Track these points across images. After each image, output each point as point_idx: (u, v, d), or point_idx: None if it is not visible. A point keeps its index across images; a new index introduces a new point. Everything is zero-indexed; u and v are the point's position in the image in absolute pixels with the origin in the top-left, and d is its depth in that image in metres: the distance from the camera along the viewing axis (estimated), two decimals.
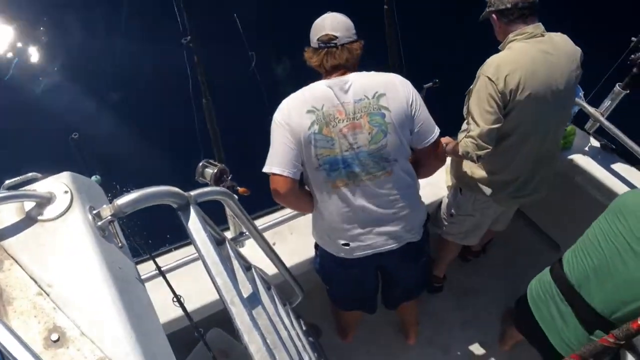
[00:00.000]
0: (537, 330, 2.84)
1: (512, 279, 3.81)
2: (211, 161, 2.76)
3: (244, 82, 4.26)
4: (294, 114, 2.60)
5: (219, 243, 2.13)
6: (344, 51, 2.67)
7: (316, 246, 3.10)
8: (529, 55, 2.90)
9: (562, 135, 3.44)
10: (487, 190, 3.24)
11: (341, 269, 3.01)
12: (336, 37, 2.66)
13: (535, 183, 3.27)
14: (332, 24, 2.68)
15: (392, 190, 2.73)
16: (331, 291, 3.34)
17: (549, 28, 3.01)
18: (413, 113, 2.65)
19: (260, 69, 3.79)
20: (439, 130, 2.74)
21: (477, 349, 3.83)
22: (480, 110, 2.90)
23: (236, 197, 2.25)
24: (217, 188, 2.28)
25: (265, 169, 2.62)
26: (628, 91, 3.45)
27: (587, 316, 2.61)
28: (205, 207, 1.77)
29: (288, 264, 3.03)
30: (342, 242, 2.84)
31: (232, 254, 2.18)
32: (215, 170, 2.70)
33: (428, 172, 2.96)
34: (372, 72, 2.71)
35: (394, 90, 2.63)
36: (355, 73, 2.69)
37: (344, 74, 2.68)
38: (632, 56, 3.30)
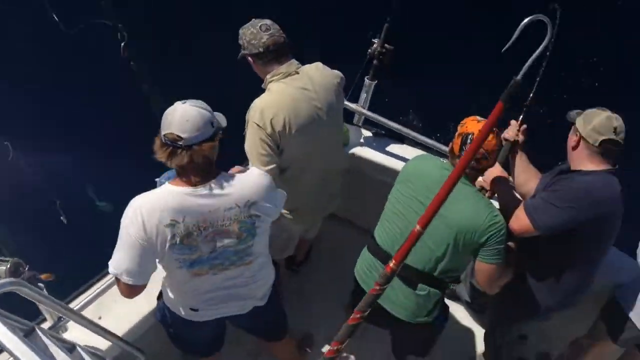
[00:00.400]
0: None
1: (342, 274, 4.05)
2: (1, 258, 2.67)
3: None
4: (148, 225, 2.45)
5: (27, 333, 2.11)
6: (189, 154, 2.45)
7: (159, 297, 3.02)
8: (288, 95, 3.06)
9: (341, 151, 3.68)
10: (288, 216, 3.45)
11: (190, 329, 2.96)
12: (181, 138, 2.43)
13: (327, 197, 3.54)
14: (180, 121, 2.43)
15: (250, 273, 2.80)
16: (179, 345, 3.26)
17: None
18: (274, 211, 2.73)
19: None
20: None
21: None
22: (255, 153, 3.05)
23: (37, 284, 2.22)
24: (3, 281, 2.20)
25: (112, 271, 2.50)
26: (376, 81, 3.88)
27: (408, 274, 2.91)
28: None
29: (121, 331, 3.02)
30: (191, 307, 2.82)
31: (47, 341, 2.16)
32: (8, 266, 2.55)
33: None
34: (237, 177, 2.61)
35: (263, 196, 2.63)
36: (219, 179, 2.55)
37: (205, 175, 2.53)
38: (369, 50, 3.72)
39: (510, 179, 3.22)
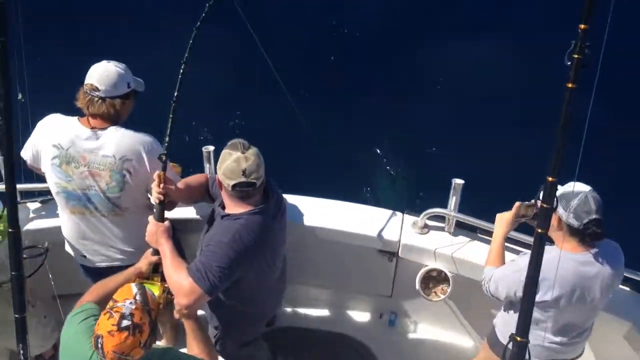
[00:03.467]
0: None
1: None
2: None
3: None
4: (43, 139, 3.12)
5: None
6: (103, 105, 3.03)
7: None
8: None
9: None
10: None
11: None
12: (98, 89, 3.02)
13: None
14: (99, 75, 3.03)
15: (123, 225, 3.24)
16: None
17: None
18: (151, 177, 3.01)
19: None
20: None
21: None
22: None
23: None
24: None
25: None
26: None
27: None
28: None
29: None
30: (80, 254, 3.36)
31: None
32: None
33: None
34: (129, 133, 3.09)
35: (139, 159, 3.08)
36: (114, 129, 3.08)
37: (102, 123, 3.07)
38: None
39: None
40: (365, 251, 3.88)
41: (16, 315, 1.94)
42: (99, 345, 2.24)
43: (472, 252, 3.73)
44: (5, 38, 1.81)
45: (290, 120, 7.02)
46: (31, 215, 3.75)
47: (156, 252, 2.92)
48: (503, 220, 3.19)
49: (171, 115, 2.91)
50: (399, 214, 3.92)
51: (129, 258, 3.27)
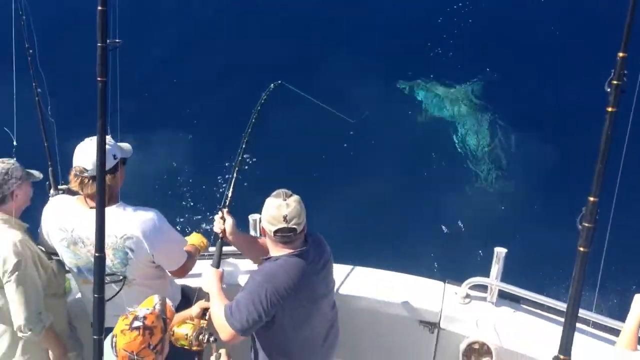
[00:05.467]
0: None
1: None
2: None
3: None
4: (50, 224, 3.25)
5: None
6: (95, 184, 2.85)
7: None
8: None
9: None
10: None
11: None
12: (87, 170, 3.06)
13: None
14: (85, 156, 3.06)
15: (130, 294, 3.25)
16: None
17: None
18: (153, 255, 3.19)
19: None
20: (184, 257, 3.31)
21: None
22: None
23: None
24: None
25: None
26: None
27: None
28: None
29: None
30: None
31: None
32: None
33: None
34: (128, 211, 3.14)
35: (139, 238, 3.12)
36: (113, 208, 3.10)
37: None
38: None
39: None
40: (405, 321, 3.81)
41: (94, 337, 2.11)
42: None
43: (515, 323, 3.63)
44: (105, 78, 1.91)
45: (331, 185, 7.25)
46: None
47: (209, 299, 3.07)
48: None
49: (234, 175, 3.29)
50: (440, 283, 3.86)
51: None
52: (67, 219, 3.20)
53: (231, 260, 3.98)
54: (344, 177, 7.53)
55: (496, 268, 3.61)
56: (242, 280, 3.80)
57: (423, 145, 7.90)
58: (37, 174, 3.38)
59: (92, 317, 3.42)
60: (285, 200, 2.92)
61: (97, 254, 2.08)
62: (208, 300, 3.07)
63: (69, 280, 3.66)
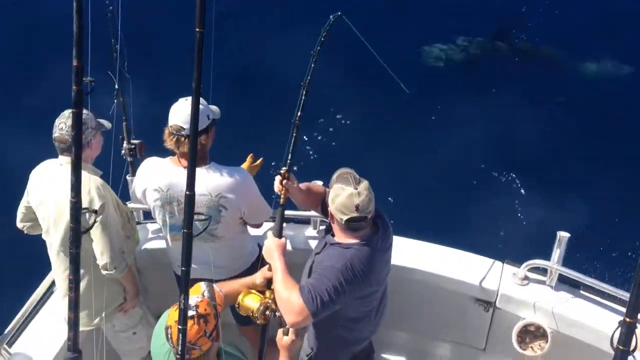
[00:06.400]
0: None
1: None
2: None
3: None
4: (145, 185, 3.41)
5: None
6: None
7: None
8: None
9: None
10: None
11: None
12: (183, 129, 3.17)
13: None
14: (182, 115, 3.17)
15: (216, 249, 3.47)
16: None
17: None
18: (244, 212, 3.42)
19: None
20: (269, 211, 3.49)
21: None
22: None
23: None
24: None
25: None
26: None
27: None
28: None
29: None
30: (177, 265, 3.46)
31: None
32: None
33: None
34: (221, 172, 3.30)
35: (232, 196, 3.31)
36: (206, 168, 3.28)
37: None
38: None
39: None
40: (460, 298, 3.82)
41: (182, 268, 2.16)
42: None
43: (574, 308, 3.58)
44: (203, 29, 1.92)
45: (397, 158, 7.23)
46: (150, 235, 4.03)
47: (271, 268, 3.07)
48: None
49: (294, 134, 3.16)
50: (499, 263, 3.84)
51: (218, 273, 3.48)
52: (161, 179, 3.34)
53: (292, 225, 4.03)
54: (403, 148, 7.49)
55: (558, 252, 3.55)
56: (303, 247, 3.88)
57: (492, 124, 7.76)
58: (107, 124, 3.53)
59: (173, 265, 3.69)
60: (357, 188, 2.86)
61: (187, 192, 2.14)
62: (270, 269, 3.08)
63: (137, 231, 3.84)
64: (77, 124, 2.24)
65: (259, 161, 3.80)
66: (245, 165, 3.73)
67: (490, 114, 7.69)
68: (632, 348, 2.08)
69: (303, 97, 3.14)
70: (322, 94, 6.26)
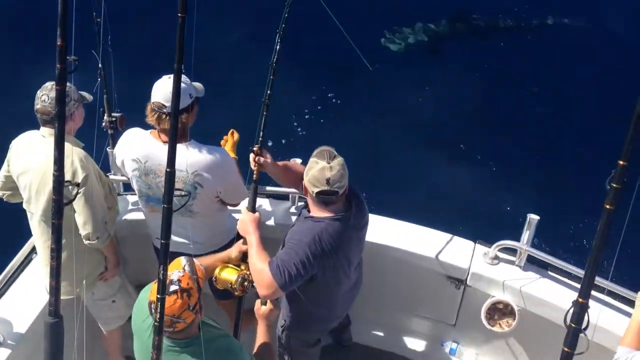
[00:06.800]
0: None
1: None
2: None
3: None
4: (124, 155, 3.44)
5: None
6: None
7: None
8: None
9: None
10: None
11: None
12: (165, 106, 3.17)
13: None
14: (164, 92, 3.16)
15: (193, 224, 3.48)
16: None
17: None
18: (220, 191, 3.44)
19: None
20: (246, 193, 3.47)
21: None
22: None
23: None
24: None
25: None
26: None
27: None
28: None
29: None
30: (156, 237, 3.60)
31: None
32: None
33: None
34: (199, 149, 3.31)
35: (208, 174, 3.31)
36: (185, 145, 3.27)
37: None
38: None
39: None
40: (433, 275, 3.93)
41: (162, 241, 2.19)
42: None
43: (541, 288, 3.71)
44: (185, 14, 1.95)
45: (373, 137, 7.29)
46: (130, 207, 4.08)
47: (246, 242, 3.16)
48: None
49: (264, 113, 3.26)
50: (470, 242, 3.95)
51: (195, 248, 3.53)
52: (140, 151, 3.38)
53: (271, 201, 4.12)
54: (371, 118, 7.57)
55: (527, 234, 3.67)
56: (278, 221, 3.95)
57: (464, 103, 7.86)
58: (89, 96, 3.56)
59: (152, 237, 3.75)
60: (330, 163, 2.95)
61: (167, 169, 2.20)
62: (245, 243, 3.18)
63: (117, 203, 3.87)
64: (61, 100, 2.27)
65: (236, 137, 3.81)
66: (225, 142, 3.76)
67: (461, 92, 7.80)
68: (583, 326, 2.22)
69: (271, 77, 3.27)
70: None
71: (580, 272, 3.51)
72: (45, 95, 3.31)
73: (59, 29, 2.11)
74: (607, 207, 2.08)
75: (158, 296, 2.15)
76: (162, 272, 2.16)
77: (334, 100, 7.82)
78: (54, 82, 3.32)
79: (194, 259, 2.72)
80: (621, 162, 2.02)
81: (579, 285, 3.51)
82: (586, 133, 7.34)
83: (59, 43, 2.13)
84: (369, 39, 8.04)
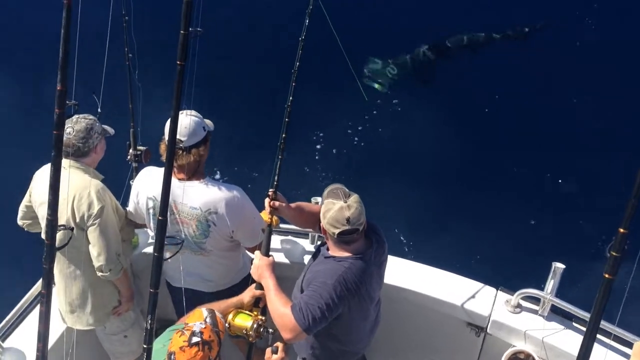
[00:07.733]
0: None
1: None
2: None
3: None
4: (140, 192, 3.48)
5: None
6: (189, 155, 3.22)
7: None
8: None
9: None
10: None
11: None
12: (181, 141, 3.16)
13: None
14: (179, 128, 3.02)
15: (207, 263, 3.52)
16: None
17: None
18: (233, 231, 3.40)
19: None
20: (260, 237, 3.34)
21: None
22: None
23: None
24: None
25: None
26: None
27: None
28: None
29: None
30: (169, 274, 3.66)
31: None
32: None
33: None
34: (214, 188, 3.32)
35: (222, 213, 3.31)
36: (199, 182, 3.31)
37: (189, 174, 3.27)
38: None
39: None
40: (453, 321, 3.84)
41: (151, 290, 2.18)
42: None
43: (565, 340, 3.60)
44: (184, 62, 1.98)
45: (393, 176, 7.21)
46: (150, 240, 4.06)
47: (260, 287, 3.10)
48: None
49: (280, 157, 3.24)
50: (492, 289, 3.86)
51: (207, 286, 3.59)
52: (156, 189, 3.33)
53: (289, 239, 4.07)
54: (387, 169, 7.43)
55: (552, 282, 3.58)
56: (298, 261, 3.91)
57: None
58: (111, 130, 3.60)
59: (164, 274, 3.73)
60: (346, 201, 2.93)
61: (160, 218, 2.18)
62: (258, 288, 3.11)
63: (137, 235, 3.87)
64: (57, 146, 2.18)
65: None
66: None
67: (476, 133, 7.65)
68: None
69: (286, 120, 3.27)
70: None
71: (608, 326, 3.39)
72: (70, 127, 3.36)
73: (59, 74, 2.05)
74: (606, 276, 1.97)
75: (145, 346, 2.16)
76: (149, 321, 2.16)
77: (351, 137, 7.74)
78: (79, 115, 3.41)
79: (216, 312, 2.66)
80: (622, 230, 1.92)
81: (605, 339, 3.46)
82: (611, 182, 7.19)
83: (58, 87, 2.07)
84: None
